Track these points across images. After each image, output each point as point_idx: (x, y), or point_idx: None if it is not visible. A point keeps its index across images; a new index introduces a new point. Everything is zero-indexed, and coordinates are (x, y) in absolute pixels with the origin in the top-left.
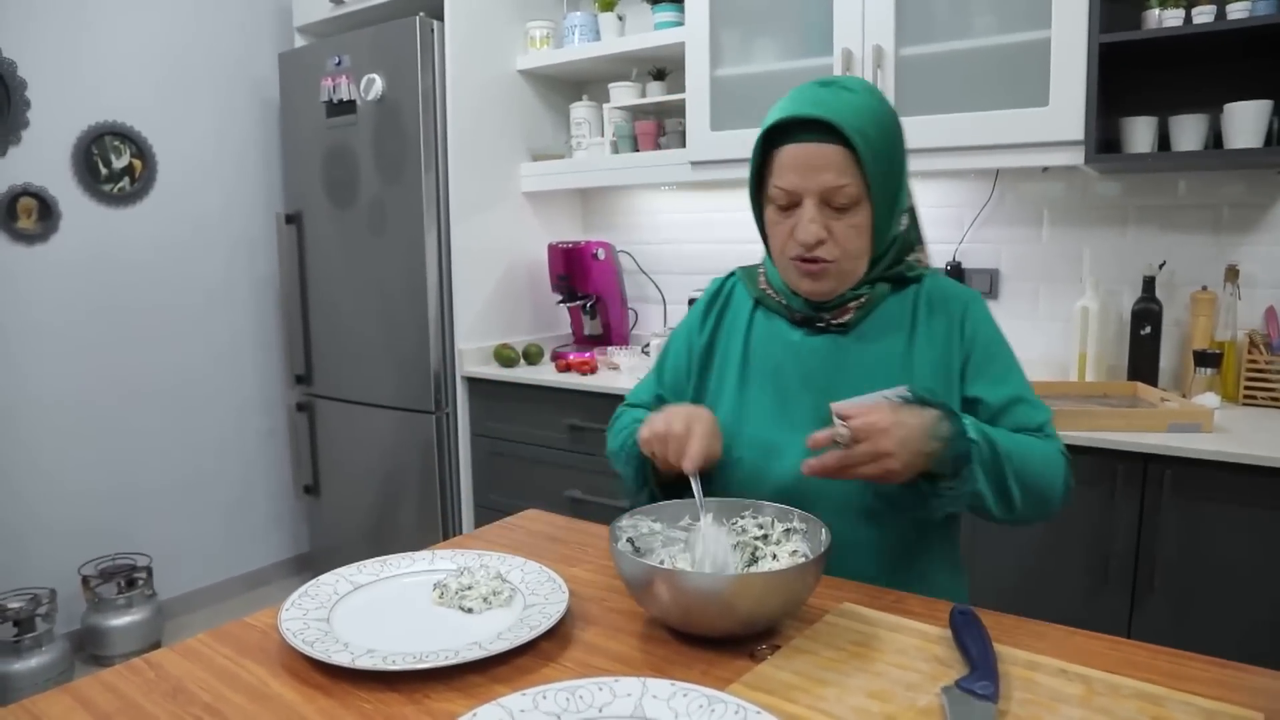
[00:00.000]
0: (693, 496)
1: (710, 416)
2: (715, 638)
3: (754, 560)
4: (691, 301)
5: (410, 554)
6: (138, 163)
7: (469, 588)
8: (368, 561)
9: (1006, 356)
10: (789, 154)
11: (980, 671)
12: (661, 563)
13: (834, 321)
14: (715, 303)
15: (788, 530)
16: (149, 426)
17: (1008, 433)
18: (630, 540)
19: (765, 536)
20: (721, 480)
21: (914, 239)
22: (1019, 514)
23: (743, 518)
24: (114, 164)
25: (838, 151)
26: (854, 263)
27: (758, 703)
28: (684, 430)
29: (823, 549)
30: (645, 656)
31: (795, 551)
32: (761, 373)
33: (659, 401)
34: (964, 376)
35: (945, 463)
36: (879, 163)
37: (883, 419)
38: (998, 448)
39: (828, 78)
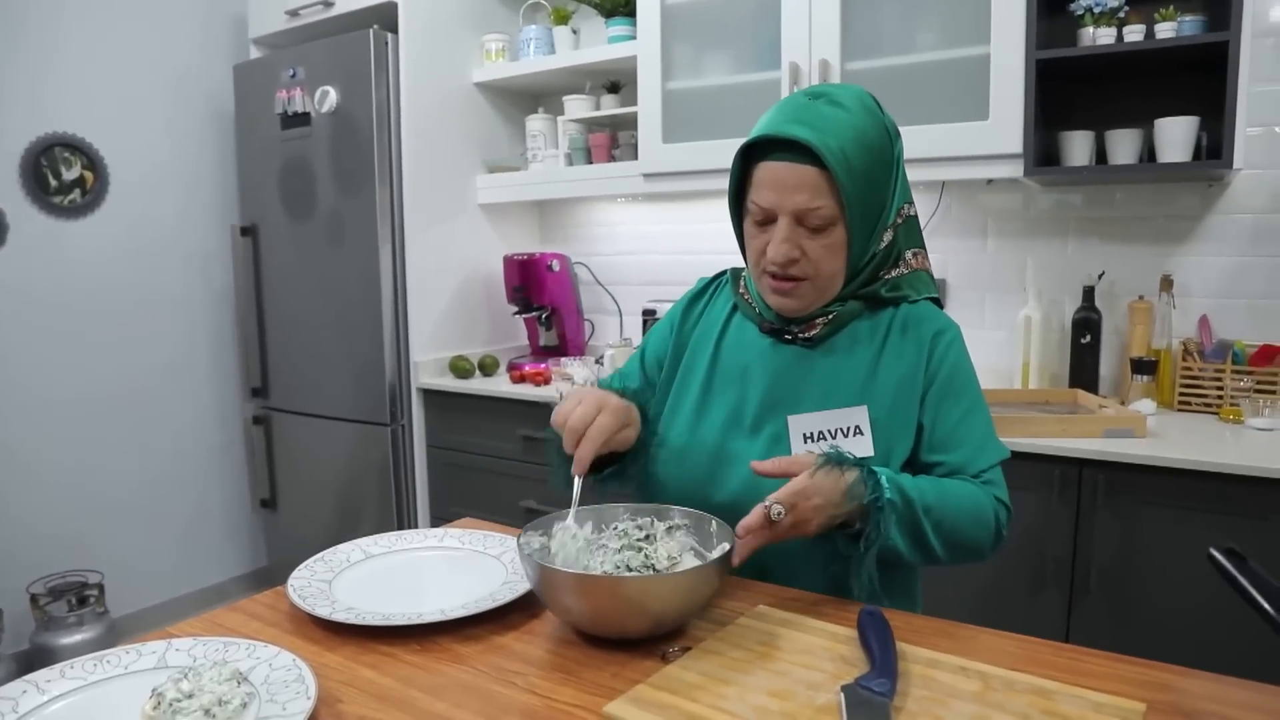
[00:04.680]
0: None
1: (617, 406)
2: (626, 639)
3: (647, 562)
4: (646, 312)
5: (140, 644)
6: (89, 174)
7: (189, 695)
8: (79, 660)
9: (968, 391)
10: (766, 171)
11: (879, 670)
12: None
13: (801, 335)
14: (701, 298)
15: (670, 528)
16: (101, 443)
17: (936, 484)
18: (530, 556)
19: (648, 536)
20: (671, 482)
21: (900, 250)
22: (941, 562)
23: (620, 521)
24: (64, 176)
25: (814, 173)
26: (826, 281)
27: (660, 703)
28: (580, 425)
29: (715, 542)
30: (556, 659)
31: (688, 547)
32: (727, 376)
33: (635, 392)
34: (922, 403)
35: (859, 518)
36: (858, 185)
37: (803, 487)
38: (915, 506)
39: (820, 87)
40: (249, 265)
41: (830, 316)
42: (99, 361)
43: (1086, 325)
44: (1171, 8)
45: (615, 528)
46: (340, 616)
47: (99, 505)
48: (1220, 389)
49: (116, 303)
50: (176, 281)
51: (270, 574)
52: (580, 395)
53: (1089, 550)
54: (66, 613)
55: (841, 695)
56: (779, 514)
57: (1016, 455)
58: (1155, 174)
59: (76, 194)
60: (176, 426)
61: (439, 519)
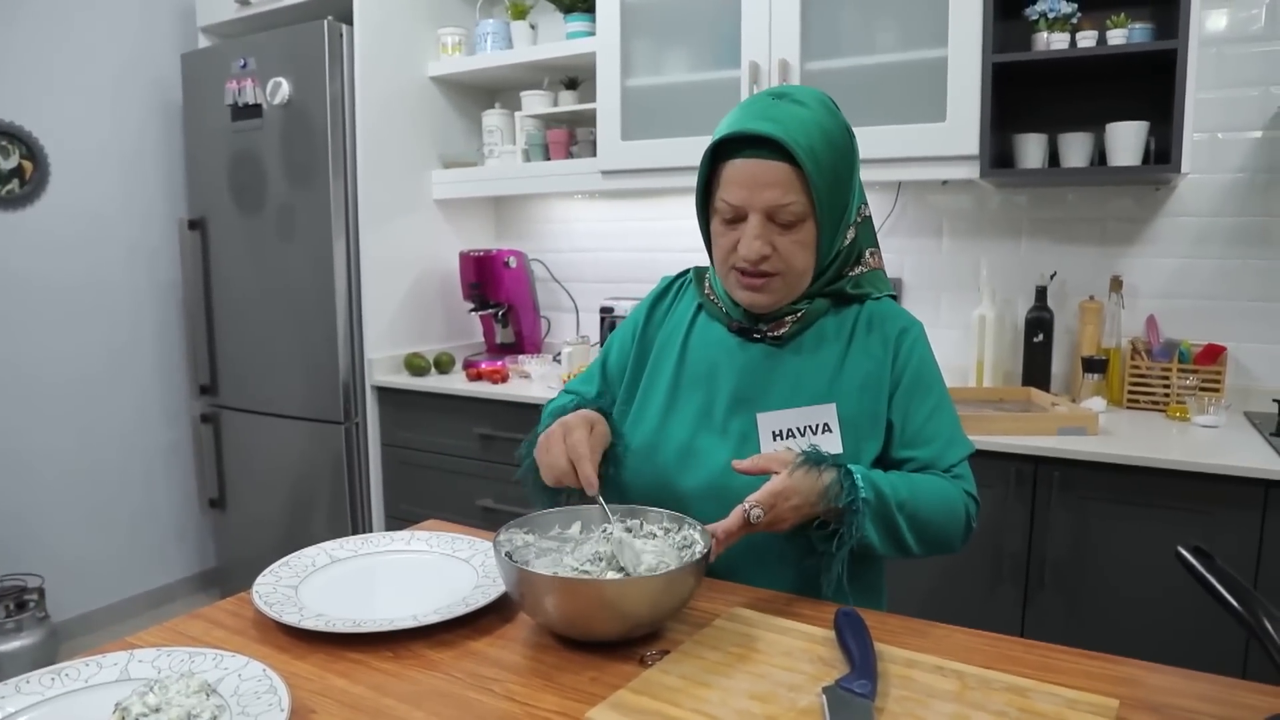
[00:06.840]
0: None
1: (584, 417)
2: (603, 643)
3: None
4: (604, 310)
5: (100, 656)
6: (28, 164)
7: (156, 710)
8: (35, 674)
9: (934, 387)
10: (736, 169)
11: (860, 671)
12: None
13: (770, 334)
14: (664, 299)
15: (650, 532)
16: (41, 441)
17: (909, 479)
18: (508, 554)
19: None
20: (639, 481)
21: (862, 247)
22: (915, 555)
23: (611, 523)
24: (1, 165)
25: (784, 169)
26: (797, 277)
27: (641, 708)
28: (566, 460)
29: (699, 550)
30: (532, 664)
31: (668, 551)
32: (694, 375)
33: (599, 397)
34: (890, 400)
35: (835, 516)
36: (826, 180)
37: (783, 489)
38: (890, 502)
39: (780, 88)
40: (197, 259)
41: (799, 314)
42: (39, 357)
43: (1039, 324)
44: (1123, 15)
45: (604, 530)
46: (309, 624)
47: (38, 506)
48: (1167, 387)
49: (57, 297)
50: (120, 275)
51: (220, 575)
52: (550, 438)
53: (1044, 546)
54: (4, 618)
55: (823, 697)
56: (758, 517)
57: (974, 453)
58: (1107, 177)
59: (14, 184)
60: (121, 425)
61: (393, 518)
